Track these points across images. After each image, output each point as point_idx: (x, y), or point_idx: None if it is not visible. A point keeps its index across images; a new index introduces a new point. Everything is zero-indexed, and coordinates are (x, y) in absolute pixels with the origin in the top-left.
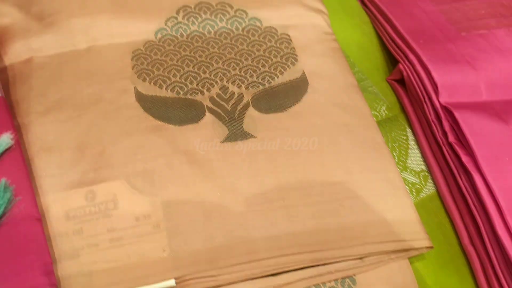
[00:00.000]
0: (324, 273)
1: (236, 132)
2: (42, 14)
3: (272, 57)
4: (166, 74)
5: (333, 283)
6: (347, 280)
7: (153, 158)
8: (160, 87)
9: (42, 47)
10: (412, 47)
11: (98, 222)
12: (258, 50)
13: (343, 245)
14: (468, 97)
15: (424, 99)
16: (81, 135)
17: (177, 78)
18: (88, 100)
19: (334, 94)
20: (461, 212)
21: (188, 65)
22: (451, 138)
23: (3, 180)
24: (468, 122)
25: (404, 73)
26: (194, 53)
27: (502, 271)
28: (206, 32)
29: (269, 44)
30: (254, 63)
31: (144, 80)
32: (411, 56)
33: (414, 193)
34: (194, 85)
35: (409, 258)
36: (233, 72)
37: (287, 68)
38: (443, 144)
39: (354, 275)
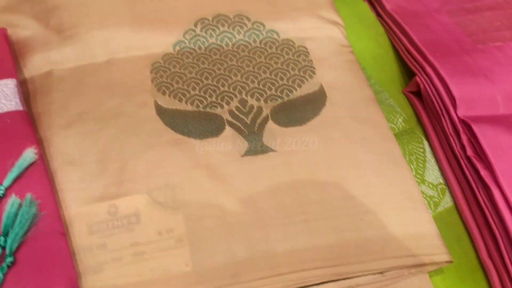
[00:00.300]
0: None
1: (256, 145)
2: (62, 26)
3: (290, 70)
4: (185, 87)
5: None
6: None
7: (174, 172)
8: (180, 100)
9: (62, 60)
10: (429, 60)
11: (121, 236)
12: (276, 63)
13: (364, 259)
14: (486, 111)
15: (442, 112)
16: (103, 149)
17: (197, 91)
18: (109, 113)
19: (352, 107)
20: (479, 226)
21: (207, 78)
22: (469, 152)
23: (29, 195)
24: (486, 136)
25: (421, 86)
26: (212, 66)
27: None
28: (224, 45)
29: (286, 56)
30: (272, 76)
31: (163, 93)
32: (428, 69)
33: (432, 206)
34: (214, 98)
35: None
36: (251, 85)
37: (305, 81)
38: (461, 158)
39: None
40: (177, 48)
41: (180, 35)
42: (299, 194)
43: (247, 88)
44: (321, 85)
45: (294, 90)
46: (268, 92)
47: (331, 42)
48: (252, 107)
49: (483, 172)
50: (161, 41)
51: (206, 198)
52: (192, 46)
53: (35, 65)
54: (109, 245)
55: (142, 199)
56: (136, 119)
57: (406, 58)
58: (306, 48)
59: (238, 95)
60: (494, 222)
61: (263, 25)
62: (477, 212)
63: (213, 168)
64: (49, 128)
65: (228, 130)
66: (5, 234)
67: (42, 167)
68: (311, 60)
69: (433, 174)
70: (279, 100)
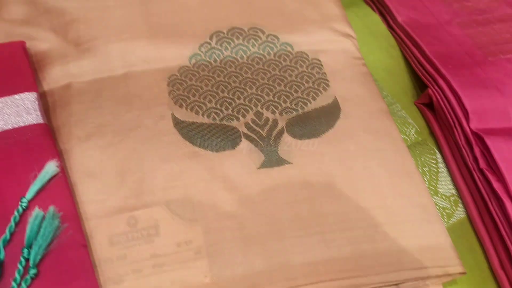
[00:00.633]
0: None
1: (271, 158)
2: (79, 40)
3: (304, 83)
4: (202, 100)
5: None
6: None
7: (192, 184)
8: (197, 113)
9: (80, 73)
10: (442, 72)
11: (141, 248)
12: (290, 76)
13: (379, 271)
14: (498, 123)
15: (454, 124)
16: (122, 161)
17: (213, 104)
18: (127, 126)
19: (366, 119)
20: (491, 237)
21: (223, 91)
22: (482, 164)
23: (51, 208)
24: (499, 149)
25: (434, 98)
26: (228, 79)
27: None
28: (239, 57)
29: (300, 69)
30: (287, 89)
31: (180, 106)
32: (441, 82)
33: (445, 218)
34: (230, 111)
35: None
36: (266, 98)
37: (319, 94)
38: (474, 170)
39: None
40: (193, 61)
41: (196, 48)
42: (314, 206)
43: (262, 100)
44: (335, 98)
45: (308, 103)
46: (283, 105)
47: (344, 54)
48: (267, 119)
49: (496, 185)
50: (177, 54)
51: (224, 210)
52: (207, 59)
53: (54, 78)
54: (129, 257)
55: (161, 211)
56: (154, 131)
57: (418, 70)
58: (319, 61)
59: (253, 107)
60: (507, 234)
61: (277, 38)
62: (490, 223)
63: (230, 180)
64: (68, 141)
65: (244, 142)
66: (29, 246)
67: (64, 180)
68: (325, 73)
69: (445, 185)
70: (294, 113)
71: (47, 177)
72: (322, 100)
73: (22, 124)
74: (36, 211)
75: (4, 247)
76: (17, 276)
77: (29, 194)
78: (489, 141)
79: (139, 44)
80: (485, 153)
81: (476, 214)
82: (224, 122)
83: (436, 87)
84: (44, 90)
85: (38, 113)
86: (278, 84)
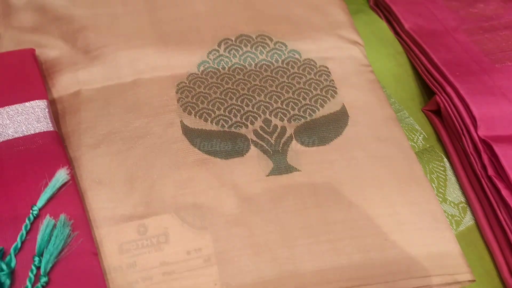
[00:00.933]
0: None
1: (280, 165)
2: (89, 47)
3: (312, 90)
4: (210, 107)
5: None
6: None
7: (201, 192)
8: (205, 120)
9: (89, 80)
10: (449, 80)
11: (150, 256)
12: (298, 83)
13: (388, 279)
14: (506, 130)
15: (462, 131)
16: (131, 169)
17: (221, 111)
18: (136, 133)
19: (374, 127)
20: (500, 245)
21: (231, 98)
22: (491, 172)
23: (63, 216)
24: (507, 156)
25: (441, 105)
26: (236, 86)
27: None
28: (247, 65)
29: (308, 76)
30: (295, 96)
31: (189, 113)
32: (448, 89)
33: (454, 225)
34: (238, 118)
35: None
36: (275, 105)
37: (328, 101)
38: (482, 177)
39: None
40: (201, 68)
41: (204, 55)
42: (323, 214)
43: (270, 108)
44: (343, 105)
45: (316, 110)
46: (292, 112)
47: (351, 62)
48: (276, 127)
49: (505, 192)
50: (185, 61)
51: (233, 217)
52: (216, 66)
53: (63, 85)
54: (138, 265)
55: (170, 218)
56: (163, 139)
57: (425, 77)
58: (327, 68)
59: (262, 115)
60: None
61: (285, 45)
62: (498, 231)
63: (239, 187)
64: (78, 148)
65: (253, 150)
66: (40, 255)
67: (74, 187)
68: (333, 80)
69: (454, 192)
70: (302, 120)
71: (58, 185)
72: (330, 108)
73: (32, 132)
74: (47, 219)
75: (15, 255)
76: (28, 284)
77: (40, 202)
78: (498, 149)
79: (147, 51)
80: (494, 160)
81: (484, 221)
82: (233, 129)
83: (443, 94)
84: (53, 98)
85: (49, 120)
86: (286, 91)
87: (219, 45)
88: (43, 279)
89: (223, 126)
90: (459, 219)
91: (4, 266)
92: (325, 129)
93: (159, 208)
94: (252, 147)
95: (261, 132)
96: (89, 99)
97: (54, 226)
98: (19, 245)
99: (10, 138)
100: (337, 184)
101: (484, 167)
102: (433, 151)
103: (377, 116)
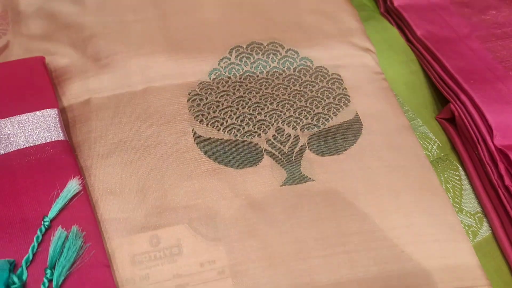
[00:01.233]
0: None
1: (294, 175)
2: (99, 55)
3: (325, 98)
4: (222, 116)
5: None
6: None
7: (214, 202)
8: (218, 129)
9: (99, 88)
10: (464, 88)
11: (163, 268)
12: (311, 91)
13: None
14: None
15: (478, 140)
16: (143, 178)
17: (234, 120)
18: (148, 142)
19: (388, 135)
20: None
21: (243, 107)
22: (508, 181)
23: (75, 228)
24: None
25: (456, 114)
26: (248, 94)
27: None
28: (258, 73)
29: (321, 84)
30: (308, 104)
31: (201, 122)
32: (463, 97)
33: (471, 236)
34: (251, 127)
35: None
36: (287, 114)
37: (341, 109)
38: (499, 187)
39: None
40: (213, 76)
41: (215, 63)
42: (339, 225)
43: (283, 116)
44: (357, 114)
45: (330, 119)
46: (304, 121)
47: (364, 69)
48: (289, 135)
49: None
50: (196, 69)
51: (247, 228)
52: (227, 74)
53: (74, 93)
54: (151, 277)
55: (183, 229)
56: (175, 148)
57: (439, 85)
58: (340, 76)
59: (274, 123)
60: None
61: (297, 53)
62: None
63: (253, 198)
64: (89, 157)
65: (266, 159)
66: (52, 267)
67: (86, 198)
68: (346, 88)
69: (470, 202)
70: (316, 129)
71: (70, 195)
72: (344, 116)
73: (43, 141)
74: (60, 231)
75: (27, 267)
76: None
77: (52, 213)
78: None
79: (158, 59)
80: (510, 170)
81: (501, 232)
82: (245, 138)
83: (458, 102)
84: (63, 106)
85: (59, 130)
86: (299, 100)
87: (230, 53)
88: None
89: (235, 135)
90: (475, 229)
91: (15, 279)
92: (339, 138)
93: (172, 219)
94: (265, 156)
95: (274, 141)
96: (99, 107)
97: (66, 237)
98: (30, 257)
99: (21, 147)
100: (352, 194)
101: (501, 176)
102: (447, 160)
103: (391, 125)
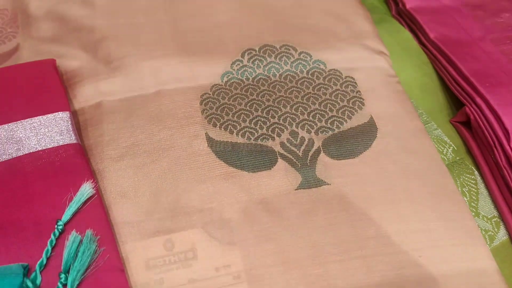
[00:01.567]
0: None
1: (309, 179)
2: (110, 57)
3: (339, 101)
4: (235, 119)
5: None
6: None
7: (229, 206)
8: (231, 132)
9: (111, 91)
10: (479, 91)
11: (178, 272)
12: (324, 94)
13: None
14: None
15: (494, 144)
16: (156, 182)
17: (247, 123)
18: (161, 145)
19: (403, 139)
20: None
21: (256, 110)
22: None
23: (89, 232)
24: None
25: (471, 117)
26: (261, 97)
27: None
28: (271, 75)
29: (334, 87)
30: (322, 107)
31: (214, 125)
32: (479, 100)
33: (488, 240)
34: (264, 130)
35: None
36: (301, 117)
37: (355, 113)
38: None
39: None
40: (225, 79)
41: (228, 66)
42: (355, 229)
43: (297, 119)
44: (371, 117)
45: (344, 122)
46: (319, 124)
47: (378, 72)
48: (303, 139)
49: None
50: (209, 72)
51: (263, 233)
52: (239, 77)
53: (85, 96)
54: (166, 281)
55: (198, 233)
56: (188, 151)
57: (453, 88)
58: (353, 79)
59: (288, 127)
60: None
61: (310, 55)
62: None
63: (268, 202)
64: (101, 161)
65: (280, 162)
66: (66, 271)
67: (99, 202)
68: (359, 91)
69: (486, 206)
70: (330, 132)
71: (83, 199)
72: (358, 119)
73: (55, 144)
74: (74, 235)
75: (41, 271)
76: None
77: (65, 217)
78: None
79: (170, 62)
80: None
81: None
82: (259, 141)
83: (473, 106)
84: (74, 109)
85: (72, 133)
86: (313, 103)
87: (242, 56)
88: None
89: (249, 138)
90: (492, 234)
91: (29, 284)
92: (354, 141)
93: (186, 223)
94: (280, 160)
95: (288, 145)
96: (111, 110)
97: (81, 241)
98: (44, 261)
99: (33, 151)
100: (368, 198)
101: None
102: (463, 164)
103: (406, 128)
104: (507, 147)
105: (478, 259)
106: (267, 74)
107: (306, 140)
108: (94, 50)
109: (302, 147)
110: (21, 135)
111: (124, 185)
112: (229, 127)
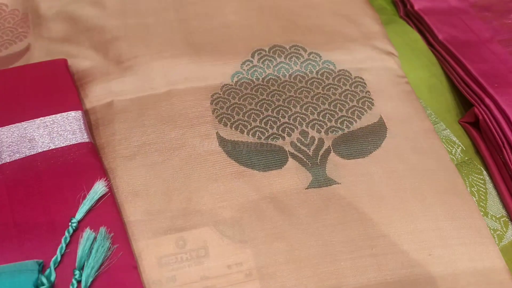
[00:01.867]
0: None
1: (319, 178)
2: (121, 57)
3: (349, 101)
4: (246, 118)
5: None
6: None
7: (240, 205)
8: (242, 132)
9: (122, 91)
10: (488, 91)
11: (190, 270)
12: (334, 94)
13: None
14: None
15: (503, 144)
16: (167, 181)
17: (257, 123)
18: (172, 144)
19: (413, 139)
20: None
21: (266, 110)
22: None
23: (103, 229)
24: None
25: (480, 117)
26: (271, 97)
27: None
28: (281, 76)
29: (344, 87)
30: (331, 107)
31: (225, 124)
32: (487, 100)
33: (497, 240)
34: (275, 130)
35: None
36: (311, 117)
37: (364, 113)
38: None
39: None
40: (235, 79)
41: (238, 66)
42: (365, 228)
43: (307, 119)
44: (381, 117)
45: (354, 122)
46: (328, 124)
47: (387, 73)
48: (313, 138)
49: None
50: (219, 72)
51: (274, 231)
52: (249, 77)
53: (96, 95)
54: (178, 279)
55: (209, 231)
56: (199, 150)
57: (462, 88)
58: (362, 79)
59: (298, 126)
60: None
61: (319, 56)
62: None
63: (279, 200)
64: (113, 159)
65: (291, 162)
66: (81, 268)
67: (112, 200)
68: (369, 91)
69: (495, 206)
70: (340, 132)
71: (96, 197)
72: (368, 119)
73: (68, 143)
74: (88, 232)
75: (55, 268)
76: None
77: (79, 215)
78: None
79: (181, 62)
80: None
81: None
82: (270, 141)
83: (482, 106)
84: (86, 108)
85: (84, 132)
86: (322, 103)
87: (252, 56)
88: None
89: (259, 137)
90: (501, 233)
91: (44, 280)
92: (364, 141)
93: (198, 221)
94: (290, 159)
95: (298, 144)
96: (122, 110)
97: (95, 239)
98: (58, 258)
99: (46, 149)
100: (378, 197)
101: None
102: (472, 164)
103: (416, 128)
104: None
105: (487, 257)
106: (277, 74)
107: (316, 139)
108: (105, 50)
109: (312, 147)
110: (34, 134)
111: (136, 184)
112: (239, 126)
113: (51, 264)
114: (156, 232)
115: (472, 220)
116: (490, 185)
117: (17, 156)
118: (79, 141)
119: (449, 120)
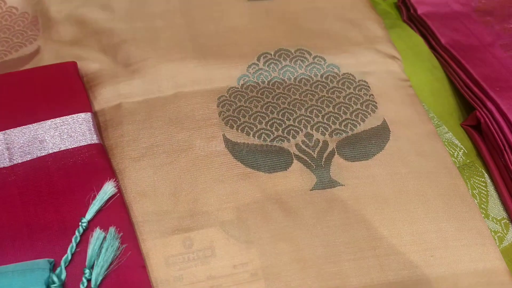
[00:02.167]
0: None
1: (323, 180)
2: (129, 60)
3: (353, 104)
4: (252, 121)
5: None
6: None
7: (246, 205)
8: (247, 134)
9: (130, 93)
10: (490, 95)
11: (197, 269)
12: (338, 97)
13: None
14: None
15: (505, 147)
16: (175, 182)
17: (263, 125)
18: (179, 146)
19: (416, 142)
20: None
21: (272, 112)
22: None
23: (112, 228)
24: None
25: (482, 121)
26: (276, 100)
27: None
28: (286, 79)
29: (348, 91)
30: (336, 110)
31: (231, 127)
32: (489, 104)
33: (497, 242)
34: (280, 132)
35: None
36: (316, 119)
37: (368, 116)
38: None
39: None
40: (241, 82)
41: (244, 69)
42: (368, 229)
43: (311, 122)
44: (384, 120)
45: (358, 125)
46: (333, 126)
47: (390, 76)
48: (318, 141)
49: None
50: (225, 75)
51: (279, 232)
52: (255, 80)
53: (105, 98)
54: (185, 278)
55: (216, 232)
56: (206, 152)
57: (464, 92)
58: (366, 82)
59: (303, 129)
60: None
61: (324, 59)
62: None
63: (283, 201)
64: (122, 161)
65: (295, 164)
66: (90, 267)
67: (121, 200)
68: (372, 95)
69: (496, 208)
70: (344, 135)
71: (106, 197)
72: (371, 122)
73: (78, 144)
74: (98, 232)
75: (66, 267)
76: None
77: (89, 215)
78: None
79: (188, 65)
80: None
81: None
82: (275, 143)
83: (484, 110)
84: (95, 110)
85: (94, 133)
86: (327, 106)
87: (258, 59)
88: None
89: (265, 140)
90: (502, 235)
91: (55, 279)
92: (367, 143)
93: (204, 222)
94: (295, 161)
95: (303, 146)
96: (130, 112)
97: (104, 238)
98: (69, 257)
99: (57, 150)
100: (381, 199)
101: None
102: (473, 167)
103: (419, 131)
104: None
105: (488, 259)
106: (282, 78)
107: (321, 142)
108: (113, 53)
109: (317, 149)
110: (45, 135)
111: (144, 184)
112: (245, 128)
113: (62, 263)
114: (164, 232)
115: (474, 222)
116: (491, 188)
117: (28, 157)
118: (89, 143)
119: (451, 123)
